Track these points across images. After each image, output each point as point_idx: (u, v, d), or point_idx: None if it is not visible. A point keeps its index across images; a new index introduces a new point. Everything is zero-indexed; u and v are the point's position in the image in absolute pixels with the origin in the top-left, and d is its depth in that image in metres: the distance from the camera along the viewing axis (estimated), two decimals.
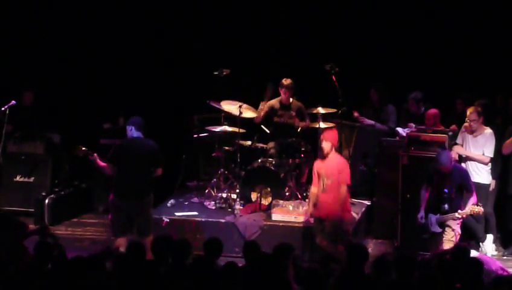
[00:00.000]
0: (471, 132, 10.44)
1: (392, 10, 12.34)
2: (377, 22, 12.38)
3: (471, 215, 9.58)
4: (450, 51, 12.17)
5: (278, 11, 12.70)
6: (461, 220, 9.61)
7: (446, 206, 9.56)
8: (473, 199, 9.52)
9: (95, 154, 9.42)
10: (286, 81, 11.18)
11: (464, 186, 9.57)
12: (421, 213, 9.67)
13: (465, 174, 9.73)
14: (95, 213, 12.07)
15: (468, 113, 10.40)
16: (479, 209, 9.43)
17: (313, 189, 9.79)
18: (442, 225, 9.56)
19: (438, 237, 9.56)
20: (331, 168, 9.59)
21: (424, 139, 10.62)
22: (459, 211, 9.46)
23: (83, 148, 9.48)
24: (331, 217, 9.59)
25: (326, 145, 9.63)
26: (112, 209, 9.35)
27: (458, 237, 9.60)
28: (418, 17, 12.24)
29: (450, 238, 9.51)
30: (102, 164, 9.36)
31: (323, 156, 9.67)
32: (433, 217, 9.60)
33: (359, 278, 6.87)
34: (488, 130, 10.42)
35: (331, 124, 11.24)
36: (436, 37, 12.23)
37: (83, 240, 11.10)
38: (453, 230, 9.52)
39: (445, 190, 9.56)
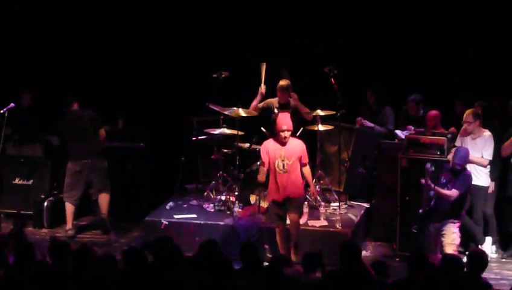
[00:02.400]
0: (467, 134, 10.44)
1: (391, 12, 12.33)
2: (376, 24, 12.37)
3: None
4: (449, 52, 12.16)
5: (276, 13, 12.69)
6: (459, 224, 9.63)
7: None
8: (453, 193, 9.55)
9: None
10: (283, 83, 11.14)
11: (461, 182, 9.62)
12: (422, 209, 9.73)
13: (469, 177, 9.77)
14: (94, 215, 12.05)
15: (464, 115, 10.40)
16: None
17: (264, 169, 9.89)
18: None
19: (435, 238, 9.56)
20: (292, 149, 9.75)
21: (423, 141, 10.62)
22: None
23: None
24: (297, 194, 9.81)
25: (289, 134, 9.77)
26: None
27: (459, 239, 9.62)
28: (418, 19, 12.22)
29: (451, 242, 9.51)
30: None
31: (283, 142, 9.74)
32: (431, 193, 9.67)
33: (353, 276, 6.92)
34: (487, 133, 10.42)
35: (329, 127, 11.26)
36: (436, 39, 12.23)
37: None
38: (453, 233, 9.55)
39: (443, 179, 9.64)
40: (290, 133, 9.80)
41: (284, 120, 9.80)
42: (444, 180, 9.68)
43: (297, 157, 9.79)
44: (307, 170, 9.92)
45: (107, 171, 11.49)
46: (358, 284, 6.86)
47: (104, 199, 11.45)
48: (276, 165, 9.76)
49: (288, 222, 9.86)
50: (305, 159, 9.90)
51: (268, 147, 9.85)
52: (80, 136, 11.25)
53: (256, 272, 7.01)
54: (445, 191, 9.57)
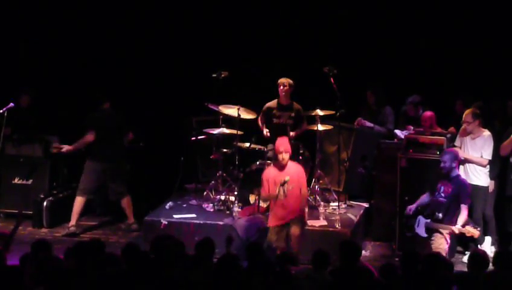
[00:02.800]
0: (466, 133, 10.44)
1: (391, 12, 12.34)
2: (376, 24, 12.37)
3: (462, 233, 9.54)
4: (449, 52, 12.16)
5: (276, 13, 12.69)
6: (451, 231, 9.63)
7: (440, 215, 9.60)
8: (465, 213, 9.55)
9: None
10: (285, 81, 11.15)
11: (461, 196, 9.58)
12: (413, 206, 9.72)
13: (466, 186, 9.71)
14: (93, 215, 12.06)
15: (464, 115, 10.40)
16: (475, 232, 9.45)
17: (263, 196, 9.98)
18: (430, 231, 9.57)
19: (424, 242, 9.56)
20: (292, 174, 9.65)
21: (422, 141, 10.63)
22: (457, 226, 9.44)
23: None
24: (298, 214, 9.75)
25: (286, 156, 9.68)
26: None
27: (448, 246, 9.61)
28: (417, 19, 12.23)
29: (438, 246, 9.49)
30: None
31: (282, 166, 9.69)
32: (422, 220, 9.63)
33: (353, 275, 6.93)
34: (487, 133, 10.41)
35: (329, 126, 11.26)
36: (435, 39, 12.23)
37: None
38: (444, 239, 9.54)
39: (442, 194, 9.60)
40: (288, 155, 9.73)
41: (282, 143, 9.76)
42: (443, 194, 9.65)
43: (297, 184, 9.71)
44: (303, 192, 9.84)
45: (126, 175, 11.45)
46: (360, 282, 6.86)
47: (127, 203, 11.44)
48: (277, 191, 9.66)
49: (291, 236, 9.73)
50: (304, 186, 9.88)
51: (269, 176, 9.79)
52: (104, 137, 11.20)
53: (267, 272, 7.00)
54: (460, 219, 9.51)
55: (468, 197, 9.66)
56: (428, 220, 9.60)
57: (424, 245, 9.47)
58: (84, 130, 11.20)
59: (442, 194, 9.63)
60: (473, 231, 9.40)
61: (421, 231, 9.62)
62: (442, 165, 9.66)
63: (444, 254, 9.19)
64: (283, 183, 9.49)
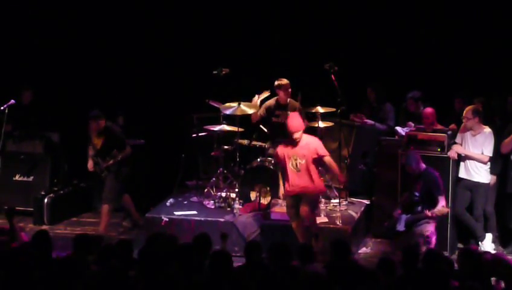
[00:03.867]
0: (466, 130, 10.44)
1: (391, 9, 12.33)
2: (376, 21, 12.37)
3: (437, 216, 9.66)
4: (449, 49, 12.17)
5: (277, 10, 12.69)
6: (435, 223, 9.66)
7: (419, 208, 9.72)
8: (442, 202, 9.65)
9: None
10: (283, 82, 11.15)
11: (432, 189, 9.68)
12: (398, 209, 9.84)
13: (433, 178, 9.79)
14: (94, 212, 12.07)
15: (464, 111, 10.40)
16: (446, 210, 9.61)
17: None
18: (410, 226, 9.64)
19: (406, 236, 9.64)
20: (304, 148, 9.80)
21: (423, 138, 10.63)
22: (427, 211, 9.60)
23: None
24: (310, 191, 9.85)
25: (298, 134, 9.79)
26: None
27: (434, 238, 9.64)
28: (417, 16, 12.23)
29: (423, 229, 9.63)
30: None
31: (295, 142, 9.80)
32: (403, 217, 9.69)
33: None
34: (487, 129, 10.42)
35: (330, 123, 11.26)
36: (435, 36, 12.23)
37: None
38: (430, 224, 9.66)
39: (416, 193, 9.74)
40: (301, 133, 9.83)
41: (293, 122, 9.86)
42: (417, 193, 9.74)
43: (311, 156, 9.81)
44: (327, 159, 9.95)
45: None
46: (352, 279, 6.84)
47: (128, 201, 11.42)
48: (290, 164, 9.83)
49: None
50: (323, 152, 9.91)
51: (278, 150, 9.99)
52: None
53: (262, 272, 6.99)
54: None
55: (439, 187, 9.73)
56: (408, 215, 9.67)
57: (401, 238, 9.63)
58: (122, 145, 10.98)
59: (417, 193, 9.74)
60: (441, 210, 9.54)
61: (401, 227, 9.69)
62: (410, 170, 9.81)
63: (428, 238, 9.45)
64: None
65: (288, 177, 9.92)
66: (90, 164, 11.02)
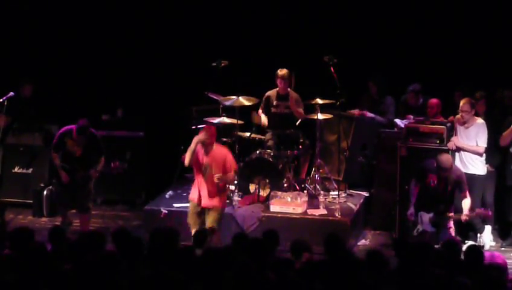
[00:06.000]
0: (463, 123, 10.43)
1: (392, 1, 12.32)
2: (376, 13, 12.35)
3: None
4: (449, 42, 12.15)
5: (277, 1, 12.68)
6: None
7: (443, 206, 9.64)
8: (469, 200, 9.68)
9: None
10: (282, 71, 11.16)
11: (459, 186, 9.68)
12: (411, 210, 9.77)
13: (461, 175, 9.79)
14: (93, 204, 12.04)
15: (461, 104, 10.38)
16: (486, 213, 9.66)
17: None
18: (437, 224, 9.61)
19: (434, 236, 9.60)
20: (218, 158, 9.52)
21: (422, 130, 10.63)
22: (466, 213, 9.58)
23: None
24: (217, 206, 9.59)
25: (212, 144, 9.53)
26: None
27: (453, 232, 9.68)
28: (417, 9, 12.21)
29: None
30: None
31: (208, 151, 9.54)
32: (425, 216, 9.66)
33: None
34: (480, 120, 10.41)
35: (329, 116, 11.26)
36: (435, 28, 12.21)
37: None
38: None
39: (437, 186, 9.69)
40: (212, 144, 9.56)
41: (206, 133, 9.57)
42: (438, 186, 9.71)
43: (222, 166, 9.53)
44: (231, 174, 9.67)
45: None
46: (346, 272, 6.81)
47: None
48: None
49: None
50: (232, 165, 9.65)
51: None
52: None
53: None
54: (466, 205, 9.67)
55: (466, 184, 9.72)
56: (431, 214, 9.63)
57: (434, 239, 9.50)
58: (101, 153, 10.59)
59: (438, 187, 9.68)
60: (483, 212, 9.60)
61: (428, 227, 9.66)
62: (444, 170, 9.65)
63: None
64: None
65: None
66: (65, 175, 10.39)
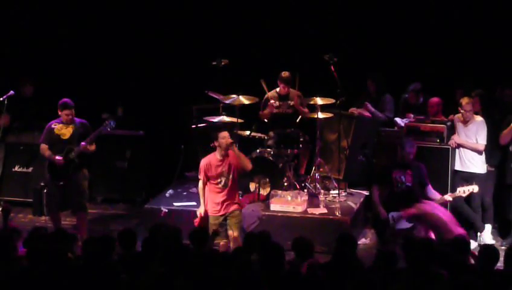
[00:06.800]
0: (465, 122, 10.43)
1: (391, 0, 12.33)
2: (376, 12, 12.36)
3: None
4: (449, 40, 12.15)
5: (277, 0, 12.68)
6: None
7: (415, 198, 9.72)
8: (434, 191, 9.75)
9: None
10: (284, 74, 11.17)
11: (422, 179, 9.74)
12: (385, 214, 9.77)
13: (422, 168, 9.82)
14: (93, 203, 12.06)
15: (463, 103, 10.38)
16: (473, 187, 9.68)
17: (202, 185, 9.70)
18: (412, 219, 9.64)
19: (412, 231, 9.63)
20: (230, 164, 9.55)
21: (422, 129, 10.64)
22: (446, 196, 9.68)
23: None
24: (238, 209, 9.66)
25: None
26: None
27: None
28: (417, 7, 12.21)
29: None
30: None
31: (224, 158, 9.54)
32: (395, 214, 9.67)
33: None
34: (479, 118, 10.42)
35: (329, 115, 11.26)
36: (436, 27, 12.22)
37: None
38: None
39: (407, 183, 9.73)
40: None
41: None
42: (408, 183, 9.71)
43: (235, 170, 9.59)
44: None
45: None
46: (349, 274, 6.82)
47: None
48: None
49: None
50: (247, 163, 9.68)
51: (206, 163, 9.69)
52: None
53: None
54: (436, 195, 9.69)
55: (427, 176, 9.78)
56: (400, 212, 9.66)
57: (416, 232, 9.56)
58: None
59: (408, 183, 9.72)
60: (468, 189, 9.61)
61: (404, 225, 9.65)
62: (405, 155, 9.76)
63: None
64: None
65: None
66: (59, 158, 10.22)
